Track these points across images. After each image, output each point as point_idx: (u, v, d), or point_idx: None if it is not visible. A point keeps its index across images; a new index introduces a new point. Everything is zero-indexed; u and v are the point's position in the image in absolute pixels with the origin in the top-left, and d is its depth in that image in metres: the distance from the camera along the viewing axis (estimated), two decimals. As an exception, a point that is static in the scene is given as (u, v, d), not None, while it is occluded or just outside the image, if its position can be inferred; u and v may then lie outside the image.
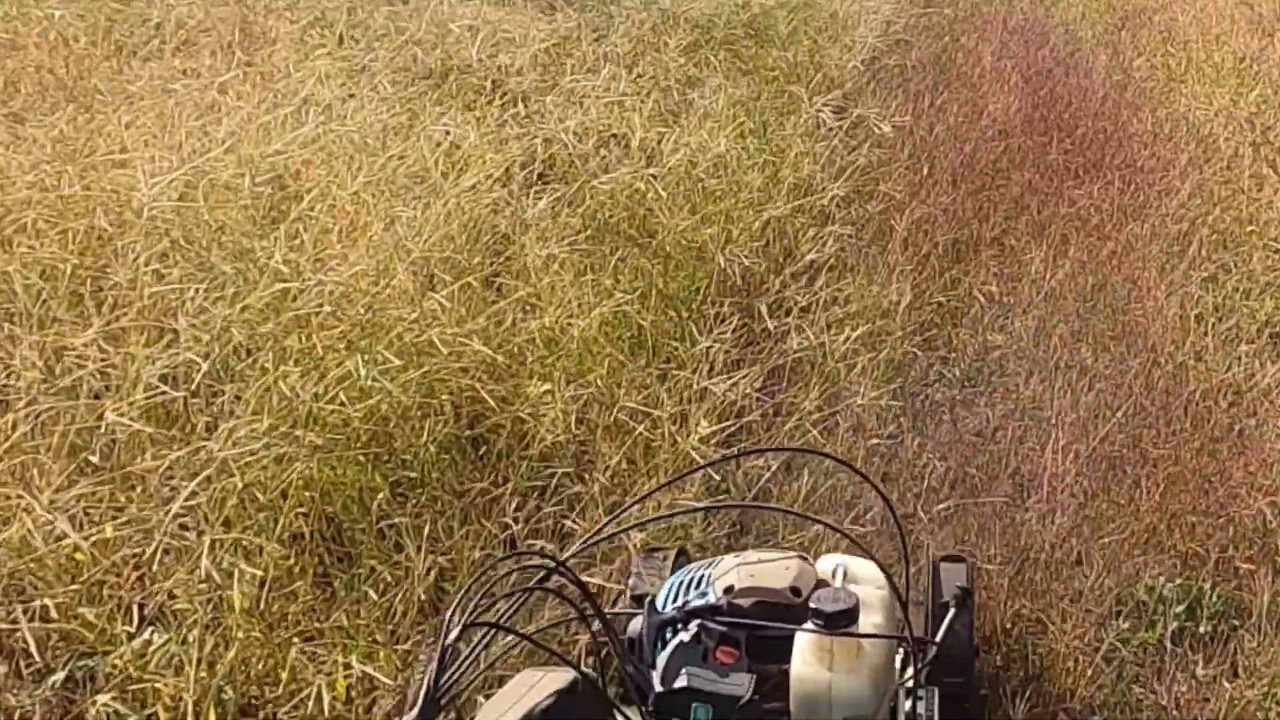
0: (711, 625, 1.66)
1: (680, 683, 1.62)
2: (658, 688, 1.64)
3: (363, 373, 3.24)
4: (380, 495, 3.09)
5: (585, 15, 7.28)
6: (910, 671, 1.78)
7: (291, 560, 2.94)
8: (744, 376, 3.96)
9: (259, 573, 2.79)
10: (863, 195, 5.51)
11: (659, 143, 5.11)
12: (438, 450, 3.28)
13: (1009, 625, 3.22)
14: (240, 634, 2.69)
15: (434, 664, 1.26)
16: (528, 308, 3.88)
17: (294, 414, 3.06)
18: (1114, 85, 7.43)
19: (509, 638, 1.47)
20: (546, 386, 3.58)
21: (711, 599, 1.70)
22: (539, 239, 4.11)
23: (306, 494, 3.00)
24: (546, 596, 1.71)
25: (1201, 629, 3.27)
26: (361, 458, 3.12)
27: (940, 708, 1.74)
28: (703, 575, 1.77)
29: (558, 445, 3.53)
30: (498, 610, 1.41)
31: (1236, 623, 3.31)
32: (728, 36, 7.05)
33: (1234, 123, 6.64)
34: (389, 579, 3.00)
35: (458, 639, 1.29)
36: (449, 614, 1.33)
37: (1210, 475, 3.72)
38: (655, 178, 4.53)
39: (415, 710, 1.23)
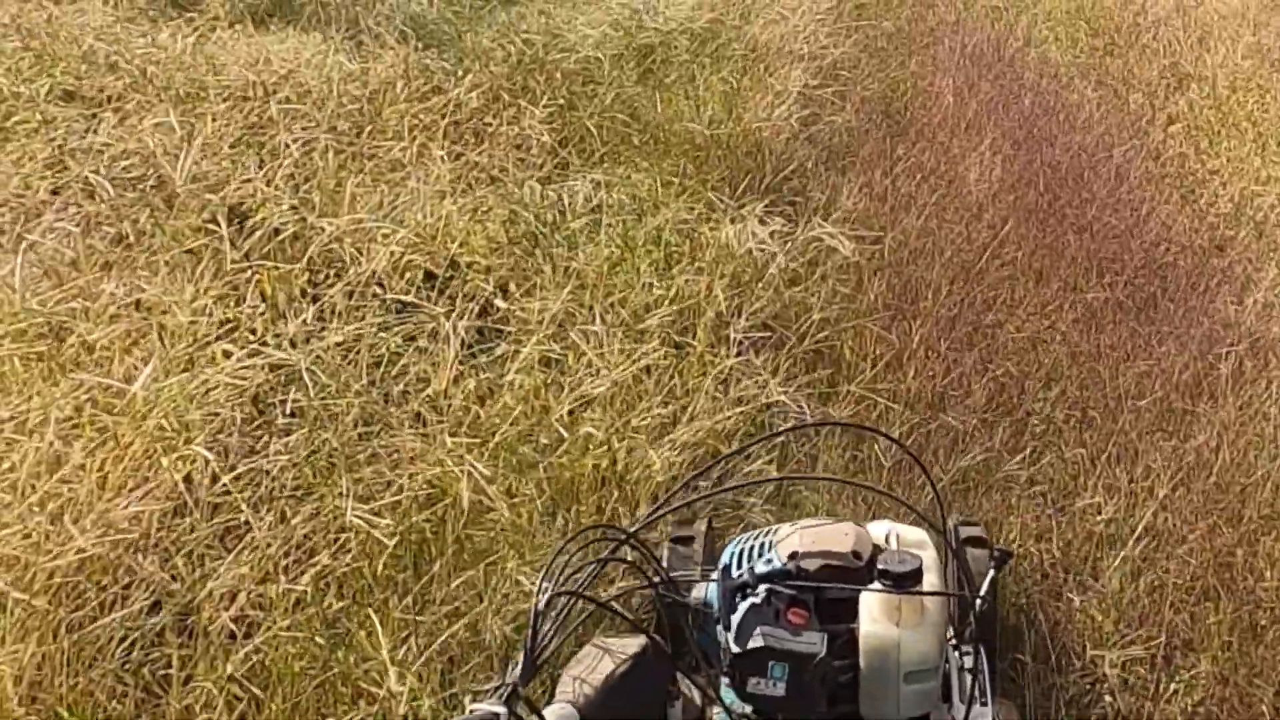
0: (780, 588, 1.63)
1: (756, 643, 1.60)
2: (733, 649, 1.62)
3: None
4: None
5: (419, 53, 5.08)
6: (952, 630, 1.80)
7: None
8: None
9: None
10: (820, 389, 3.41)
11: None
12: None
13: None
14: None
15: (530, 629, 1.29)
16: None
17: None
18: (1126, 150, 5.41)
19: (583, 607, 1.41)
20: None
21: (777, 564, 1.66)
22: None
23: None
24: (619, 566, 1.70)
25: None
26: None
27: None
28: (764, 542, 1.72)
29: None
30: (576, 580, 1.41)
31: None
32: (616, 93, 4.90)
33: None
34: None
35: (547, 606, 1.32)
36: (539, 583, 1.35)
37: None
38: (481, 449, 2.38)
39: (516, 673, 1.25)
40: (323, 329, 2.70)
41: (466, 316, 2.92)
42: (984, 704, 1.73)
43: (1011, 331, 3.82)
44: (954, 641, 1.82)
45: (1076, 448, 3.36)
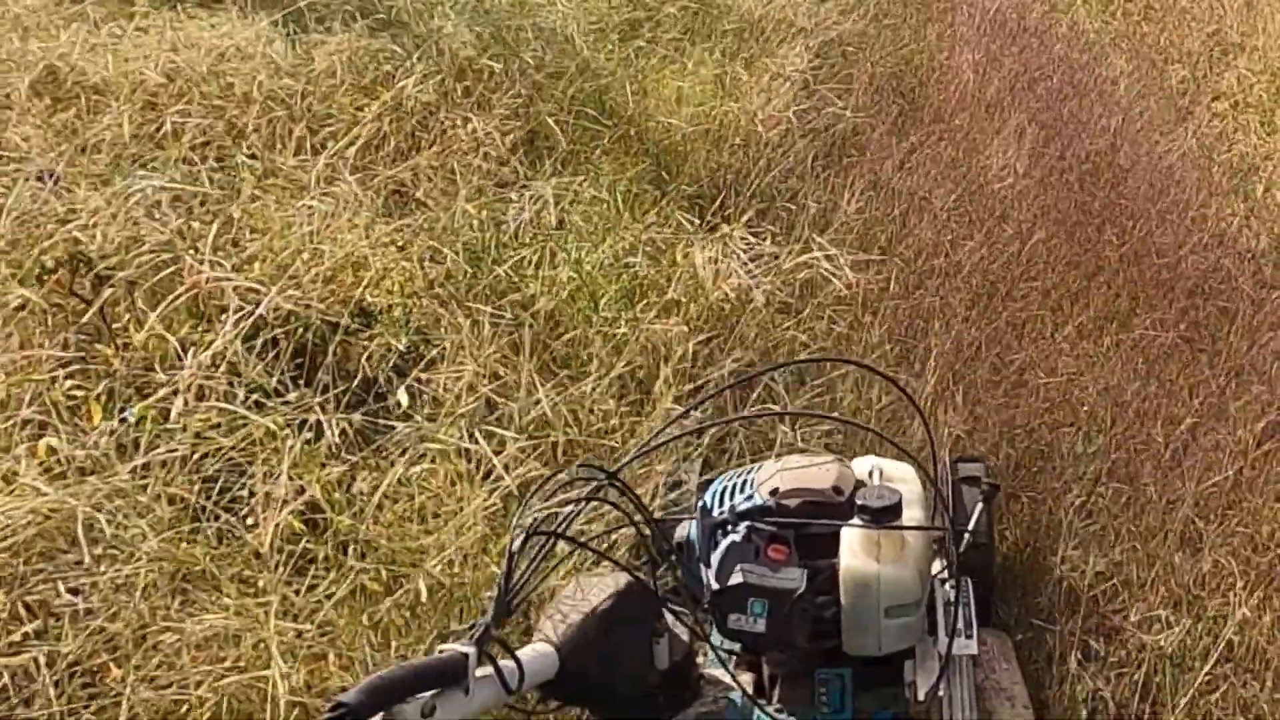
0: (761, 525, 1.60)
1: (735, 579, 1.57)
2: (714, 586, 1.58)
3: None
4: None
5: (369, 39, 4.32)
6: (941, 563, 1.78)
7: None
8: None
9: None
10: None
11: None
12: None
13: None
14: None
15: (503, 571, 1.23)
16: None
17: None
18: (1170, 138, 4.60)
19: (564, 548, 1.42)
20: None
21: (758, 501, 1.63)
22: None
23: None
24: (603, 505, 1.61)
25: None
26: None
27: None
28: (746, 479, 1.67)
29: None
30: (557, 520, 1.35)
31: None
32: (589, 81, 4.13)
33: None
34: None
35: (522, 547, 1.25)
36: (513, 524, 1.30)
37: None
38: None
39: (489, 614, 1.18)
40: (139, 439, 1.98)
41: (345, 404, 2.20)
42: (968, 636, 1.65)
43: (1042, 376, 3.06)
44: (944, 575, 1.75)
45: (1125, 537, 2.62)
